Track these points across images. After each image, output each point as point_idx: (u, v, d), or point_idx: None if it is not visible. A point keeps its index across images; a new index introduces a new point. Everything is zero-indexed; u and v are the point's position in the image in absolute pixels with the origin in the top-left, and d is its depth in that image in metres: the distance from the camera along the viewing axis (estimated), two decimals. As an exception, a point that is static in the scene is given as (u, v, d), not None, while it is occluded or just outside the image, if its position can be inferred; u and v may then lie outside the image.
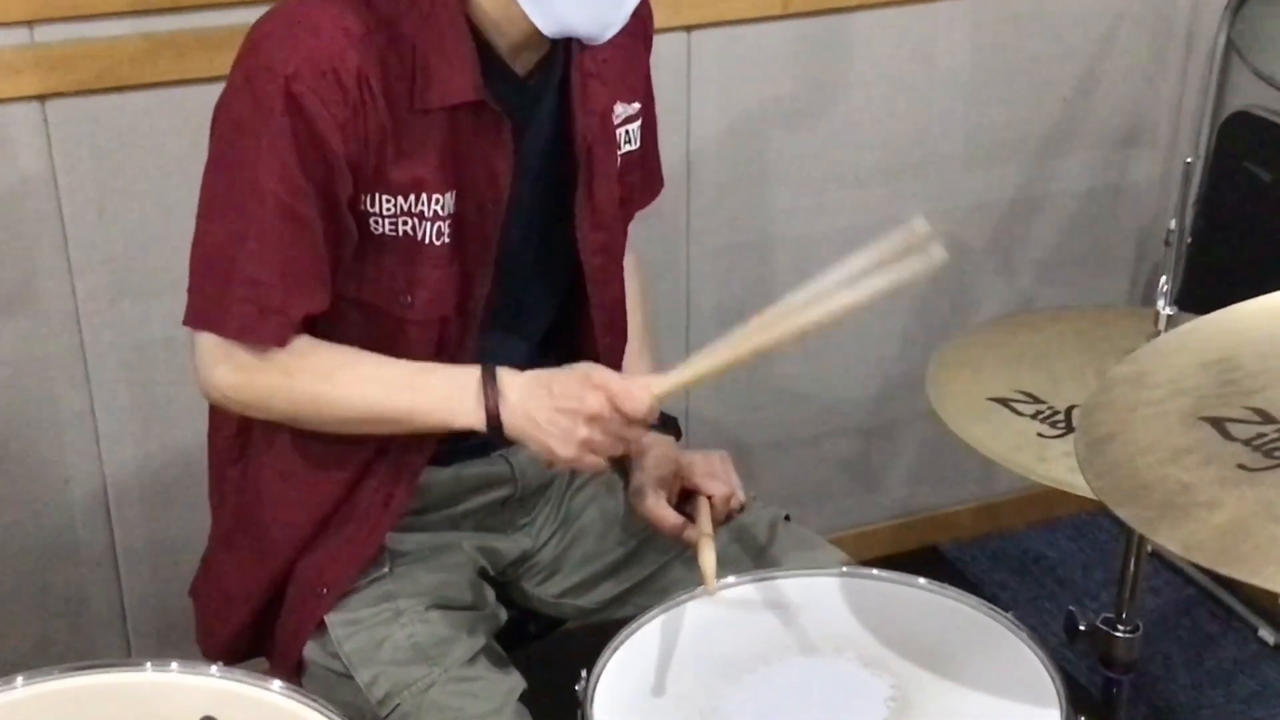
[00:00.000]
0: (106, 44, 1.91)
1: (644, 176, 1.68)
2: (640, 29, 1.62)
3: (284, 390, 1.45)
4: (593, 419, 1.40)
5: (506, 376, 1.43)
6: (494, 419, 1.42)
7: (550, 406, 1.40)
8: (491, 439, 1.45)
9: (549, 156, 1.52)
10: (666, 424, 1.63)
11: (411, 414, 1.45)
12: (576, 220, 1.54)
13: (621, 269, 1.63)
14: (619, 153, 1.58)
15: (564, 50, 1.49)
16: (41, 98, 1.91)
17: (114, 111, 1.94)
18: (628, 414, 1.40)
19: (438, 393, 1.44)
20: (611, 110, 1.56)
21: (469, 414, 1.43)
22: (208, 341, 1.45)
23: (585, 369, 1.43)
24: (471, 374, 1.43)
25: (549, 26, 1.39)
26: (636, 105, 1.60)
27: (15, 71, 1.88)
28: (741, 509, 1.63)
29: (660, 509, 1.58)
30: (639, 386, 1.42)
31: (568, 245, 1.55)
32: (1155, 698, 2.37)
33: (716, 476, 1.61)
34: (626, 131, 1.59)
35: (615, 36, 1.52)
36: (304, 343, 1.44)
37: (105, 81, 1.92)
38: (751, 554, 1.63)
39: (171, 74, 1.93)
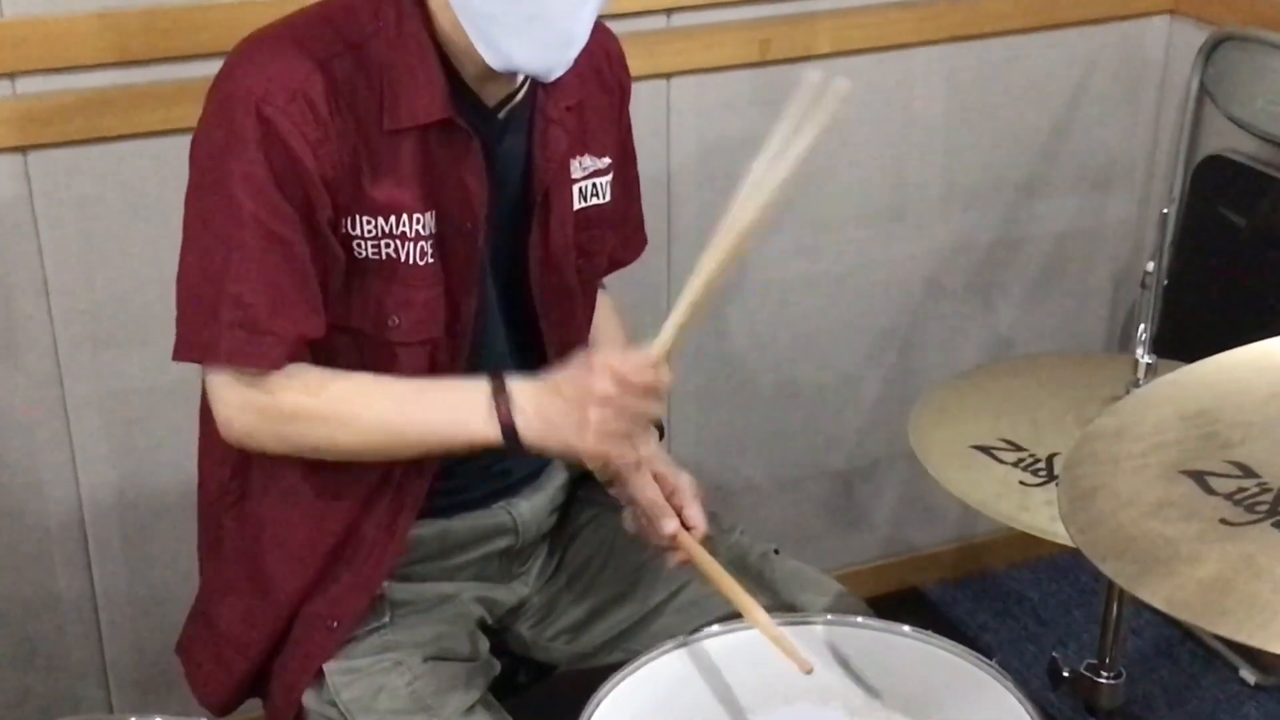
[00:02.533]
0: (88, 95, 1.91)
1: (624, 234, 1.70)
2: (617, 86, 1.64)
3: (298, 421, 1.44)
4: (603, 401, 1.38)
5: (517, 386, 1.43)
6: (509, 430, 1.41)
7: (562, 406, 1.39)
8: (509, 451, 1.43)
9: (517, 192, 1.54)
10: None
11: (425, 433, 1.45)
12: (529, 260, 1.55)
13: (574, 314, 1.63)
14: (576, 204, 1.59)
15: (531, 92, 1.51)
16: (23, 149, 1.91)
17: (96, 162, 1.94)
18: (636, 384, 1.39)
19: (451, 408, 1.44)
20: (570, 160, 1.57)
21: (483, 427, 1.42)
22: (218, 382, 1.44)
23: (579, 359, 1.42)
24: (481, 387, 1.43)
25: (495, 61, 1.40)
26: (607, 160, 1.61)
27: (-3, 123, 1.88)
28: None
29: (654, 489, 1.57)
30: (641, 353, 1.41)
31: (525, 280, 1.57)
32: (1138, 739, 2.38)
33: (698, 507, 1.59)
34: (594, 185, 1.60)
35: (589, 91, 1.54)
36: (313, 374, 1.44)
37: (87, 132, 1.92)
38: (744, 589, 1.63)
39: (153, 124, 1.94)
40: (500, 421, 1.41)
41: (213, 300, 1.41)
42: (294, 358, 1.44)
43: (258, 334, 1.40)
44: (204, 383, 1.48)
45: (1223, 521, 1.11)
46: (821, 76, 1.35)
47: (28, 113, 1.89)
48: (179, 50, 1.92)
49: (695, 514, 1.57)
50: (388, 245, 1.45)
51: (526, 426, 1.41)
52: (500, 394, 1.42)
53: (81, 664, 2.16)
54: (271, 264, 1.40)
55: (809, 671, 1.43)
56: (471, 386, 1.44)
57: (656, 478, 1.58)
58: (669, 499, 1.57)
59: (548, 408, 1.41)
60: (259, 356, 1.41)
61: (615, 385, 1.38)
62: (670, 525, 1.55)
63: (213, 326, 1.41)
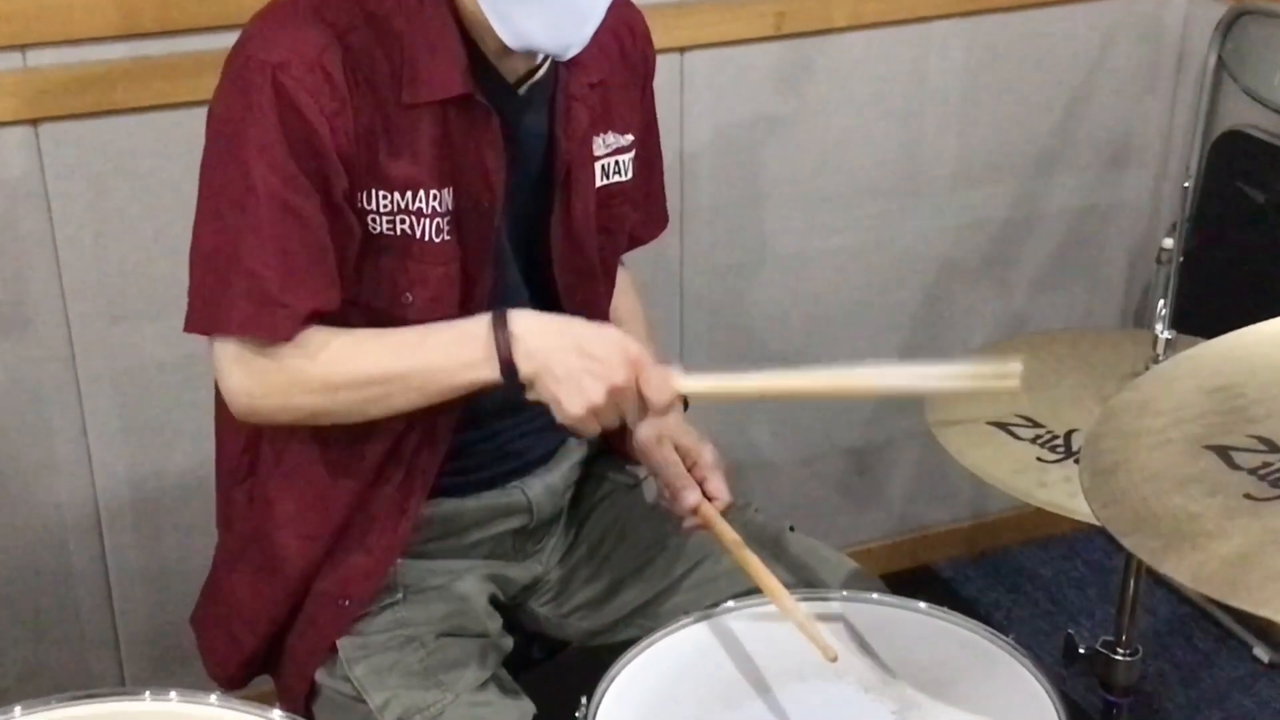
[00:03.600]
0: (99, 67, 1.90)
1: (646, 211, 1.69)
2: (641, 61, 1.63)
3: (300, 384, 1.42)
4: (615, 391, 1.37)
5: (520, 318, 1.40)
6: (508, 365, 1.38)
7: (577, 365, 1.37)
8: (509, 388, 1.40)
9: (539, 170, 1.53)
10: None
11: (427, 375, 1.42)
12: (551, 237, 1.54)
13: (596, 293, 1.62)
14: (598, 182, 1.58)
15: (554, 69, 1.50)
16: (34, 121, 1.90)
17: (107, 135, 1.94)
18: (649, 401, 1.38)
19: (450, 347, 1.41)
20: (592, 137, 1.56)
21: (483, 363, 1.39)
22: (223, 352, 1.42)
23: (620, 338, 1.40)
24: (481, 322, 1.41)
25: (511, 39, 1.39)
26: (629, 138, 1.60)
27: (8, 95, 1.87)
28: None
29: (677, 460, 1.56)
30: (669, 375, 1.39)
31: (547, 259, 1.56)
32: (1151, 717, 2.37)
33: (720, 478, 1.58)
34: (616, 162, 1.59)
35: (612, 66, 1.52)
36: (313, 334, 1.42)
37: (98, 105, 1.92)
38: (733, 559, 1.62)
39: (165, 97, 1.93)
40: (499, 357, 1.39)
41: (225, 271, 1.39)
42: (304, 328, 1.41)
43: (270, 306, 1.39)
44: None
45: (1247, 496, 1.10)
46: (1019, 369, 1.39)
47: (39, 85, 1.89)
48: (190, 23, 1.92)
49: (717, 485, 1.56)
50: (403, 221, 1.44)
51: (526, 364, 1.38)
52: (500, 328, 1.39)
53: (94, 637, 2.16)
54: (285, 235, 1.38)
55: (834, 659, 1.42)
56: (471, 326, 1.41)
57: (679, 450, 1.57)
58: (691, 471, 1.56)
59: (556, 357, 1.38)
60: (271, 328, 1.40)
61: (633, 386, 1.37)
62: (692, 497, 1.54)
63: (225, 297, 1.40)
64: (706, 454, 1.58)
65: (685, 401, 1.64)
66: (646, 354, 1.40)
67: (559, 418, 1.39)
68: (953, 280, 2.55)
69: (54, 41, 1.88)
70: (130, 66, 1.92)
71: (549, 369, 1.38)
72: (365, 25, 1.40)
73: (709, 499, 1.57)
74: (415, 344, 1.43)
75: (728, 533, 1.54)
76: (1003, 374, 1.41)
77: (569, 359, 1.38)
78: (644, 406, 1.39)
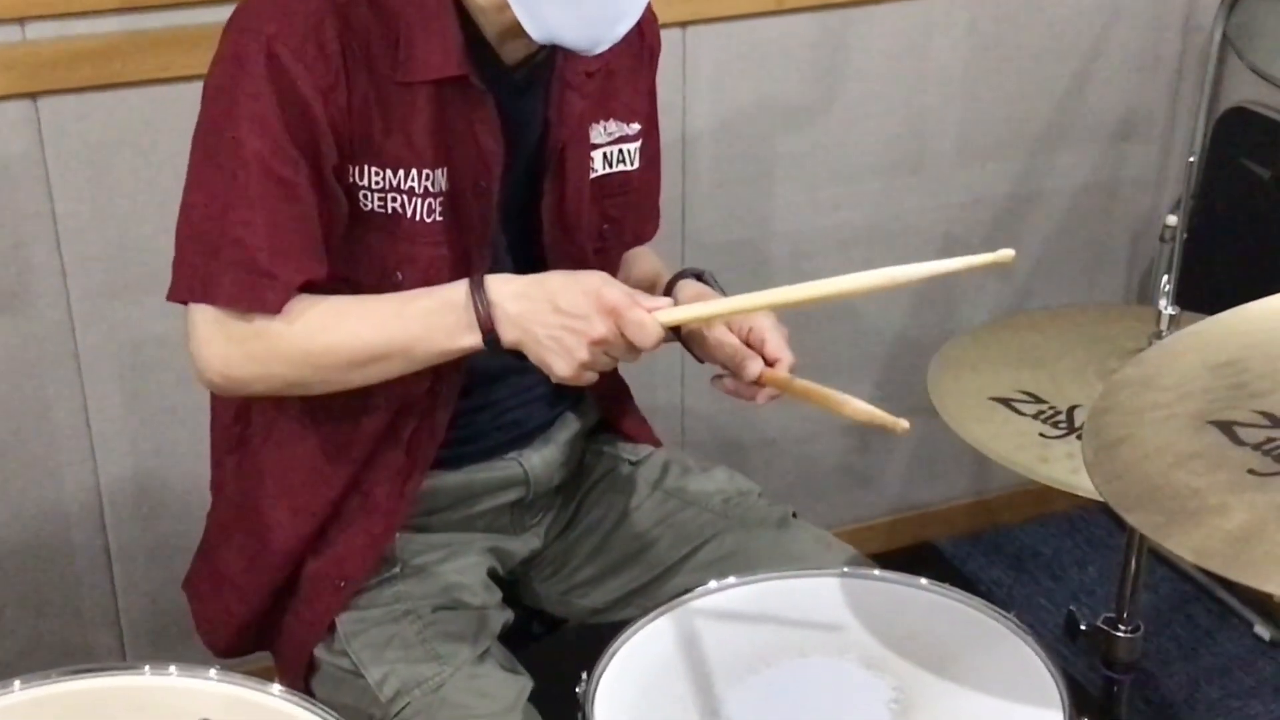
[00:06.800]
0: (99, 41, 1.90)
1: (646, 208, 1.69)
2: (647, 50, 1.61)
3: (278, 353, 1.40)
4: (598, 343, 1.35)
5: (498, 284, 1.38)
6: (489, 332, 1.37)
7: (555, 323, 1.35)
8: (491, 353, 1.39)
9: (532, 154, 1.51)
10: (701, 277, 1.59)
11: (409, 344, 1.40)
12: (544, 224, 1.53)
13: None
14: (599, 170, 1.56)
15: (552, 53, 1.48)
16: (33, 95, 1.89)
17: (106, 109, 1.93)
18: (635, 344, 1.36)
19: (429, 316, 1.39)
20: (590, 125, 1.54)
21: (463, 331, 1.38)
22: (201, 319, 1.40)
23: (597, 284, 1.36)
24: (460, 289, 1.39)
25: (537, 32, 1.37)
26: (635, 127, 1.58)
27: (7, 68, 1.86)
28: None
29: (731, 337, 1.50)
30: (650, 318, 1.36)
31: (539, 245, 1.54)
32: (1152, 694, 2.37)
33: (780, 338, 1.53)
34: (620, 150, 1.58)
35: (617, 55, 1.50)
36: (293, 303, 1.40)
37: (97, 79, 1.91)
38: (761, 552, 1.62)
39: (164, 71, 1.92)
40: (479, 323, 1.37)
41: (214, 240, 1.38)
42: (290, 300, 1.40)
43: (258, 275, 1.37)
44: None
45: (1251, 472, 1.09)
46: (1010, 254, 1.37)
47: (38, 58, 1.88)
48: (189, -4, 1.91)
49: (776, 346, 1.50)
50: (394, 199, 1.43)
51: (507, 331, 1.37)
52: (479, 294, 1.37)
53: (94, 612, 2.16)
54: (275, 206, 1.37)
55: (906, 430, 1.40)
56: (450, 294, 1.39)
57: (730, 327, 1.52)
58: (747, 341, 1.51)
59: (535, 319, 1.36)
60: (257, 300, 1.38)
61: (615, 332, 1.35)
62: (754, 367, 1.49)
63: (212, 266, 1.38)
64: (759, 320, 1.52)
65: (678, 332, 1.60)
66: (623, 296, 1.36)
67: (553, 379, 1.39)
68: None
69: (53, 14, 1.87)
70: (129, 40, 1.91)
71: (531, 334, 1.36)
72: (364, 1, 1.39)
73: (769, 364, 1.50)
74: (394, 313, 1.41)
75: (798, 385, 1.48)
76: (996, 258, 1.37)
77: (548, 318, 1.36)
78: (631, 348, 1.37)
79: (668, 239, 2.30)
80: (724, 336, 1.51)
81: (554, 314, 1.36)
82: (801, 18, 2.27)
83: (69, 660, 2.06)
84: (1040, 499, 2.70)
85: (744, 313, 1.43)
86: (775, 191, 2.38)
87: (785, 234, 2.40)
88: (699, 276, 1.60)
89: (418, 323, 1.40)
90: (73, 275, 1.99)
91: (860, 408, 1.44)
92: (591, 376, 1.39)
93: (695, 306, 1.42)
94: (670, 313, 1.39)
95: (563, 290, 1.37)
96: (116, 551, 2.14)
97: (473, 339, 1.38)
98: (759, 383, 1.50)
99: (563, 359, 1.36)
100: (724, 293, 1.58)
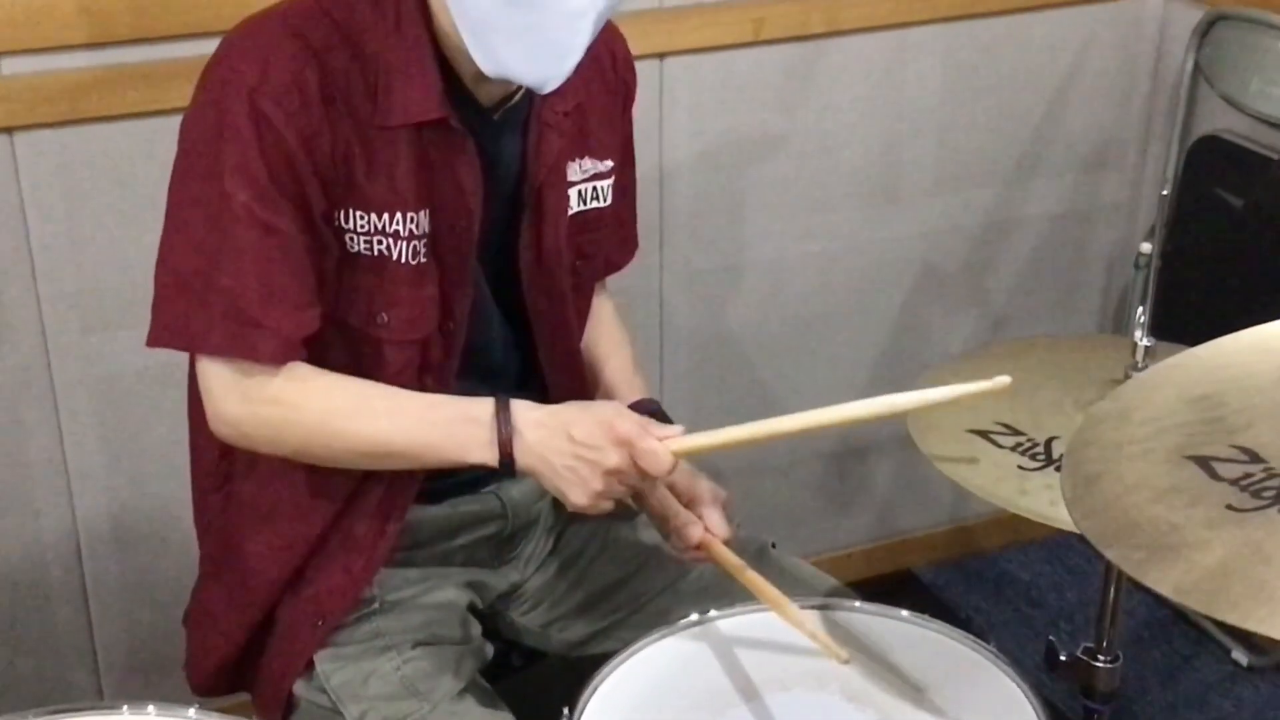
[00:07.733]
0: (73, 76, 1.89)
1: (618, 239, 1.69)
2: (621, 87, 1.62)
3: (294, 424, 1.43)
4: (611, 473, 1.38)
5: (522, 411, 1.41)
6: (507, 457, 1.40)
7: (569, 453, 1.38)
8: (503, 474, 1.43)
9: (511, 193, 1.52)
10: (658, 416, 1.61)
11: (424, 449, 1.43)
12: (520, 261, 1.54)
13: (566, 317, 1.62)
14: (575, 207, 1.57)
15: (529, 94, 1.49)
16: (9, 130, 1.89)
17: (82, 143, 1.93)
18: (648, 473, 1.39)
19: (452, 425, 1.42)
20: (566, 163, 1.55)
21: (482, 449, 1.40)
22: (216, 375, 1.42)
23: (610, 415, 1.40)
24: (485, 407, 1.41)
25: (489, 67, 1.38)
26: (609, 164, 1.59)
27: (-18, 103, 1.86)
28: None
29: (673, 501, 1.55)
30: (662, 447, 1.39)
31: (518, 283, 1.55)
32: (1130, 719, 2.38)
33: (718, 512, 1.57)
34: (594, 188, 1.58)
35: (592, 93, 1.52)
36: (314, 378, 1.42)
37: (73, 113, 1.90)
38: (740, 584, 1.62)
39: (139, 105, 1.92)
40: (499, 447, 1.40)
41: (202, 289, 1.39)
42: (290, 353, 1.41)
43: (249, 325, 1.38)
44: (194, 370, 1.46)
45: (1229, 507, 1.09)
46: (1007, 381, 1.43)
47: (13, 94, 1.87)
48: (163, 30, 1.91)
49: (715, 520, 1.55)
50: (380, 242, 1.43)
51: (524, 457, 1.40)
52: (504, 418, 1.40)
53: (71, 650, 2.15)
54: (264, 255, 1.38)
55: (846, 661, 1.43)
56: (474, 409, 1.42)
57: (672, 489, 1.56)
58: (689, 507, 1.56)
59: (551, 448, 1.39)
60: (250, 348, 1.39)
61: (629, 462, 1.38)
62: (695, 532, 1.54)
63: (203, 316, 1.39)
64: (702, 488, 1.57)
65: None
66: (635, 427, 1.39)
67: (569, 508, 1.42)
68: (932, 285, 2.56)
69: (28, 50, 1.86)
70: (105, 74, 1.90)
71: (547, 463, 1.39)
72: (343, 46, 1.39)
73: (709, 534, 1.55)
74: (419, 416, 1.43)
75: (730, 559, 1.53)
76: (993, 386, 1.42)
77: (563, 448, 1.39)
78: (645, 476, 1.40)
79: (646, 268, 2.31)
80: (666, 497, 1.55)
81: (569, 444, 1.38)
82: (777, 48, 2.28)
83: (46, 698, 2.06)
84: (1018, 527, 2.70)
85: (752, 442, 1.44)
86: (752, 221, 2.39)
87: (762, 263, 2.41)
88: (652, 413, 1.61)
89: (439, 430, 1.42)
90: (49, 310, 1.98)
91: (803, 624, 1.47)
92: (607, 505, 1.41)
93: (705, 435, 1.44)
94: (681, 441, 1.41)
95: (577, 421, 1.39)
96: (93, 587, 2.13)
97: (488, 456, 1.41)
98: (698, 550, 1.54)
99: (578, 488, 1.39)
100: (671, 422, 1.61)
